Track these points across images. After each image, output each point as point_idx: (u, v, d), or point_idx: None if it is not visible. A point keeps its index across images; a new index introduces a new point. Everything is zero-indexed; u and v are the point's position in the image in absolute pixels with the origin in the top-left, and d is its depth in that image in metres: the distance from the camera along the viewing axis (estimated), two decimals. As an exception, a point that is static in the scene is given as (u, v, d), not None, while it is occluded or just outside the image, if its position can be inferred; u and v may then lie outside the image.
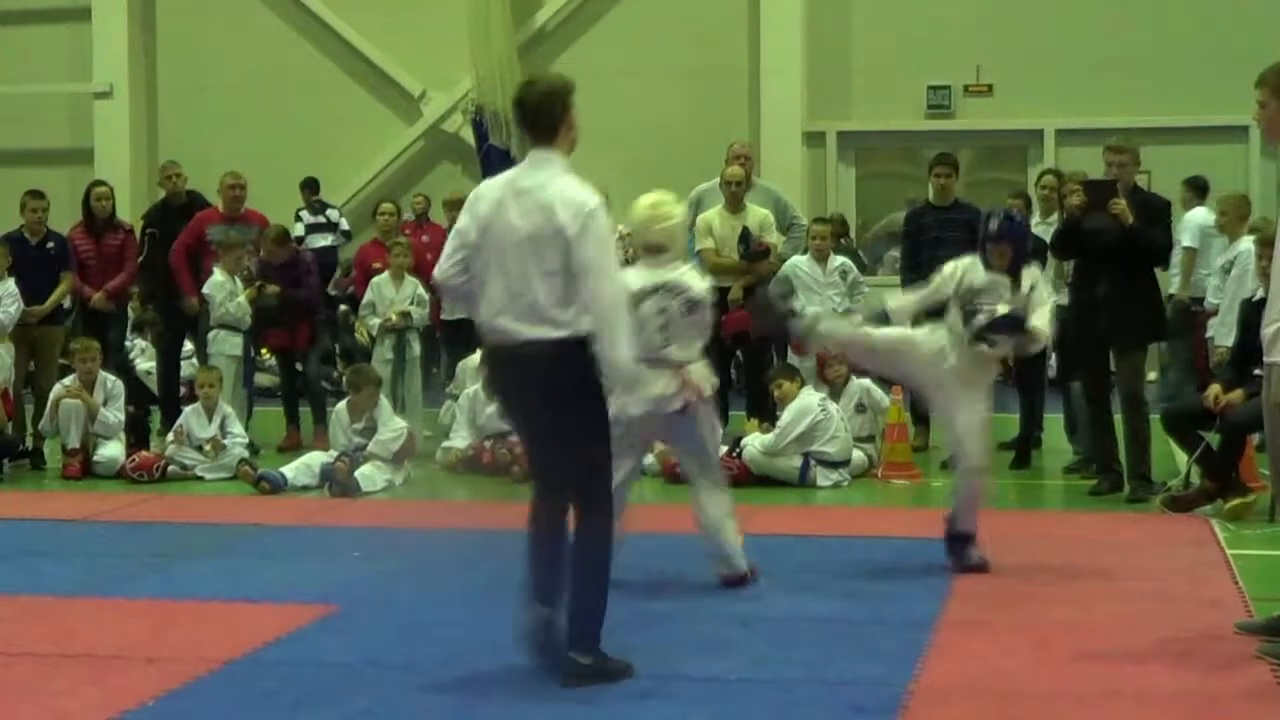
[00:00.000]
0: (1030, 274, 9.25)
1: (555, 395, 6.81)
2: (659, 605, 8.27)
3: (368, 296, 14.71)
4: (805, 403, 12.21)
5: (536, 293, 6.74)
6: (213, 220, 14.49)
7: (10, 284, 13.27)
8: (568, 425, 6.86)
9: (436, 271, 7.17)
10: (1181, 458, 11.37)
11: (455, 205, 16.72)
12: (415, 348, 14.46)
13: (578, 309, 6.71)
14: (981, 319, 8.98)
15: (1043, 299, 9.21)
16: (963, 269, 9.22)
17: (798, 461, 12.09)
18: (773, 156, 19.70)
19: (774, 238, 13.96)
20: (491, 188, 7.04)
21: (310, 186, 20.22)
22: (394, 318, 14.34)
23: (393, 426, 12.55)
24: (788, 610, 8.19)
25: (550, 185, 6.81)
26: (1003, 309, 9.02)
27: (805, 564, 9.19)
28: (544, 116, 6.94)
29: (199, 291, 14.08)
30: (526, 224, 6.78)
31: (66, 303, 14.35)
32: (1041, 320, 9.12)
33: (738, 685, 6.80)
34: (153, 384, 15.25)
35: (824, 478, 12.09)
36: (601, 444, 6.97)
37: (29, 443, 13.49)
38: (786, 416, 12.22)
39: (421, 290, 14.56)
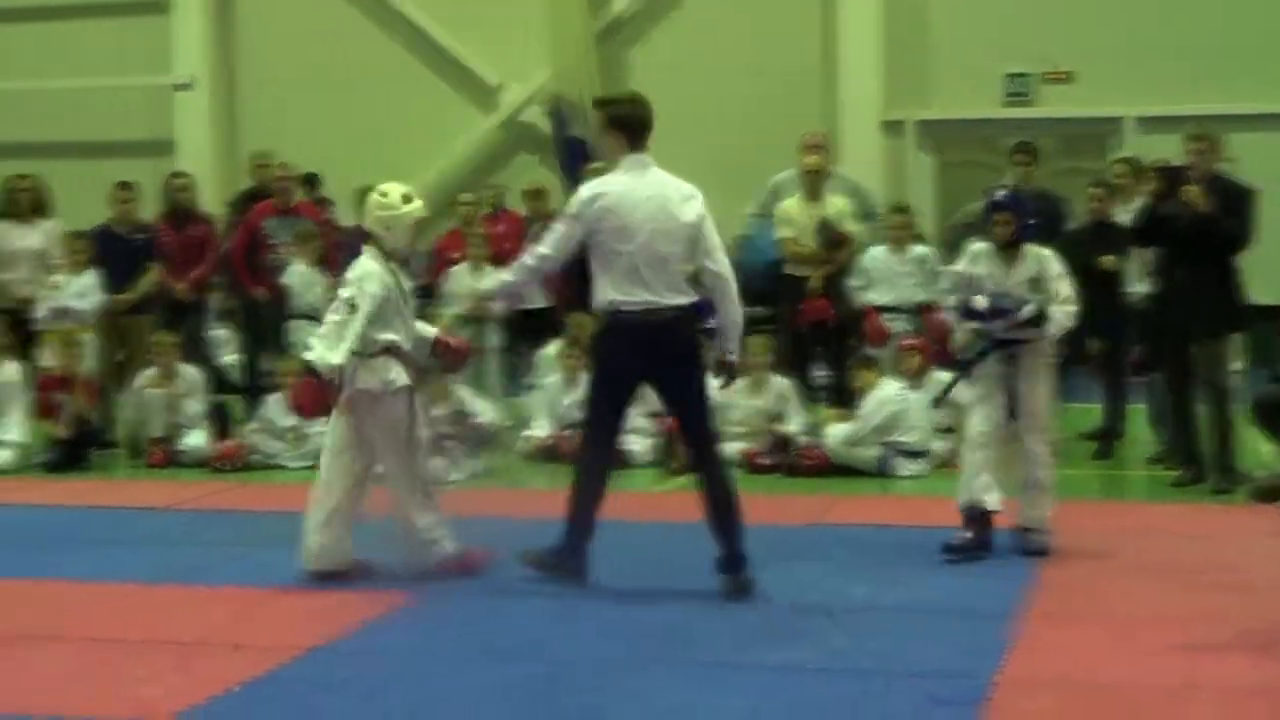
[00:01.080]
0: (1039, 255, 9.27)
1: (691, 351, 8.49)
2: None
3: (446, 287, 14.77)
4: (885, 392, 12.18)
5: (673, 270, 8.34)
6: (266, 214, 14.57)
7: (91, 275, 13.39)
8: (699, 377, 8.51)
9: (550, 250, 8.71)
10: (1268, 448, 11.26)
11: (534, 195, 16.76)
12: (493, 337, 14.50)
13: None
14: (996, 322, 9.13)
15: (1062, 288, 9.20)
16: (970, 257, 9.34)
17: (878, 451, 12.06)
18: (851, 146, 19.61)
19: (853, 226, 13.93)
20: (614, 189, 8.39)
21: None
22: (469, 308, 14.40)
23: (482, 409, 12.71)
24: (867, 600, 8.17)
25: (662, 182, 8.43)
26: (1023, 306, 9.06)
27: (885, 554, 9.17)
28: (648, 126, 8.49)
29: (261, 284, 14.20)
30: (658, 215, 8.31)
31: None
32: (1062, 310, 9.16)
33: (815, 675, 6.80)
34: (236, 374, 15.36)
35: (904, 467, 12.06)
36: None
37: (119, 432, 13.58)
38: (866, 406, 12.19)
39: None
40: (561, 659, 7.07)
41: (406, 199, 8.82)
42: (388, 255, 8.72)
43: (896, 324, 13.44)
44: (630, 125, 8.51)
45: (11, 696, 6.52)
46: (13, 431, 13.04)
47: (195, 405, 13.16)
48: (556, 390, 13.19)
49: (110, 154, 21.45)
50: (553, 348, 13.88)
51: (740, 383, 12.87)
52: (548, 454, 12.93)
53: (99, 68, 22.28)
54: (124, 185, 14.20)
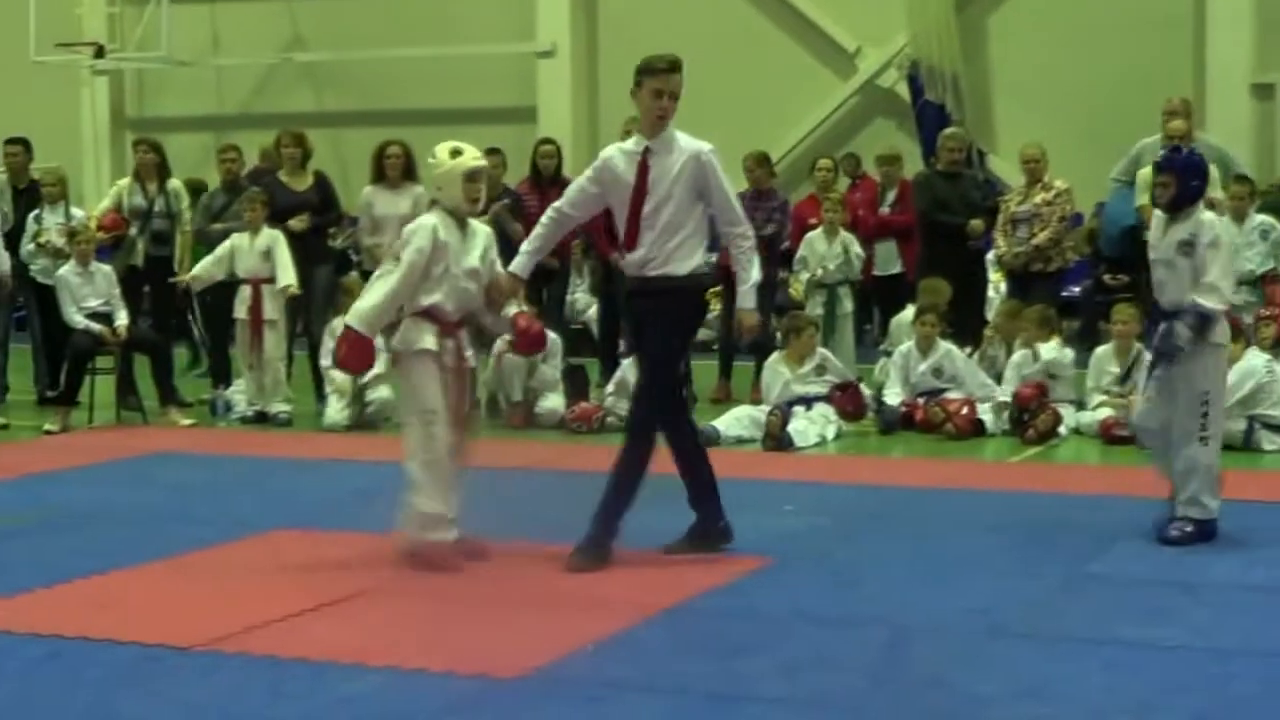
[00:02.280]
0: (1198, 220, 8.57)
1: None
2: (1096, 567, 8.14)
3: (800, 252, 14.81)
4: (1250, 364, 11.81)
5: None
6: None
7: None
8: None
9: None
10: None
11: (888, 161, 16.69)
12: (846, 304, 14.48)
13: None
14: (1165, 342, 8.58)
15: (1210, 257, 8.48)
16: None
17: (1242, 424, 11.70)
18: (1218, 110, 19.06)
19: (1217, 193, 13.54)
20: None
21: None
22: (820, 272, 14.46)
23: (842, 371, 12.82)
24: (1231, 578, 7.94)
25: None
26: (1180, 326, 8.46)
27: (1250, 530, 8.88)
28: None
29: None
30: None
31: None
32: (1210, 281, 8.47)
33: (1174, 652, 6.64)
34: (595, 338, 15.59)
35: (1269, 441, 11.69)
36: None
37: (480, 394, 13.86)
38: (1231, 378, 11.83)
39: (856, 246, 14.59)
40: (914, 627, 7.03)
41: (455, 153, 8.50)
42: (451, 214, 8.44)
43: (1238, 296, 13.03)
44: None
45: (371, 649, 6.70)
46: (381, 390, 13.44)
47: (553, 369, 13.40)
48: (910, 357, 13.11)
49: (476, 120, 21.95)
50: (907, 314, 13.80)
51: (1106, 347, 12.75)
52: (901, 422, 12.85)
53: (466, 36, 22.81)
54: (490, 151, 14.47)
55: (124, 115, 25.43)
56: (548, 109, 22.41)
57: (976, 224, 14.29)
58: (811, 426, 12.35)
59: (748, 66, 21.69)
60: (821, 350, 13.02)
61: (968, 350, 13.40)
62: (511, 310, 8.82)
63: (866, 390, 13.19)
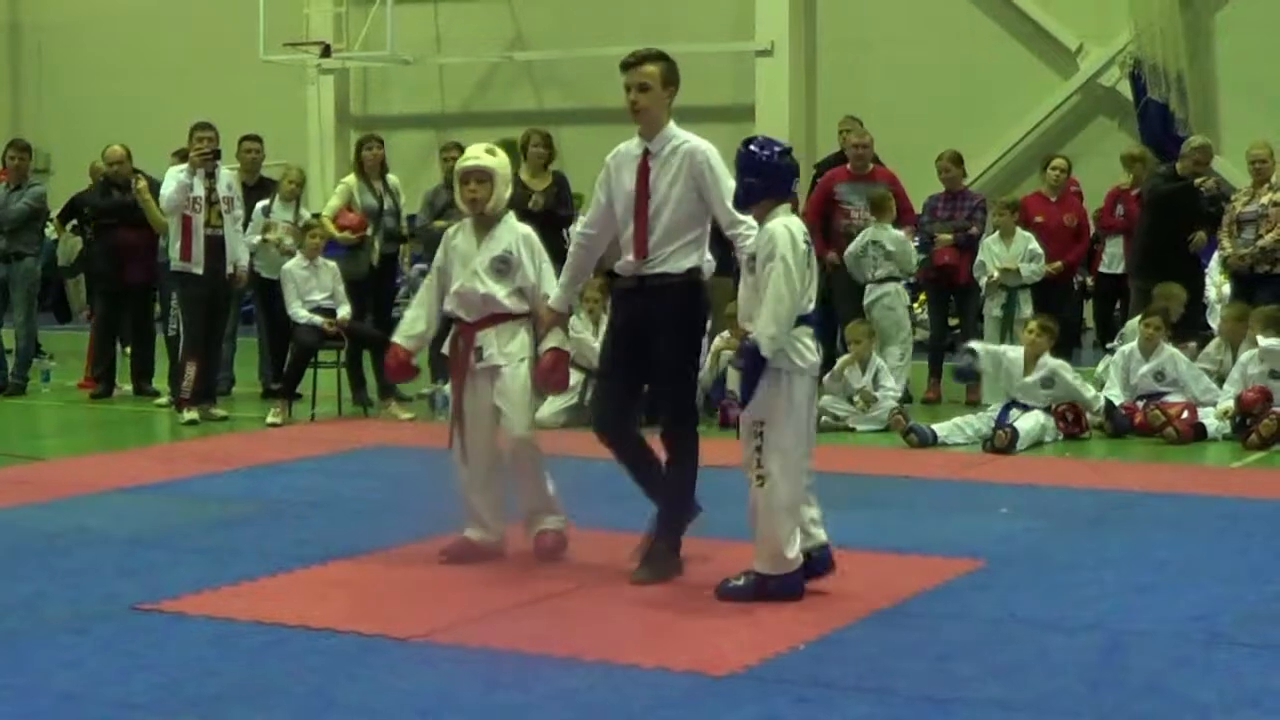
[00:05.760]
0: (769, 228, 7.26)
1: None
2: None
3: (979, 256, 14.64)
4: None
5: None
6: (840, 178, 14.75)
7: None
8: None
9: None
10: None
11: (1133, 160, 16.42)
12: (1025, 308, 14.32)
13: None
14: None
15: (766, 279, 7.16)
16: None
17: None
18: None
19: None
20: None
21: None
22: (996, 274, 14.33)
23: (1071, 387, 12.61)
24: None
25: None
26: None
27: None
28: None
29: (832, 248, 14.35)
30: None
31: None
32: (765, 315, 7.14)
33: None
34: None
35: None
36: None
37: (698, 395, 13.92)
38: None
39: (1034, 246, 14.42)
40: (1131, 632, 6.94)
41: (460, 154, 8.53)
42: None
43: None
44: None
45: (585, 644, 6.75)
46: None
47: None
48: (1132, 358, 12.92)
49: (693, 119, 21.78)
50: (1132, 323, 13.63)
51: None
52: (1118, 424, 12.66)
53: (685, 34, 22.84)
54: None
55: (349, 113, 25.89)
56: (765, 108, 22.41)
57: (1200, 237, 14.15)
58: (1030, 425, 12.24)
59: (967, 64, 21.52)
60: (1057, 361, 12.72)
61: (1192, 345, 13.23)
62: (548, 345, 8.36)
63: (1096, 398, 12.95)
